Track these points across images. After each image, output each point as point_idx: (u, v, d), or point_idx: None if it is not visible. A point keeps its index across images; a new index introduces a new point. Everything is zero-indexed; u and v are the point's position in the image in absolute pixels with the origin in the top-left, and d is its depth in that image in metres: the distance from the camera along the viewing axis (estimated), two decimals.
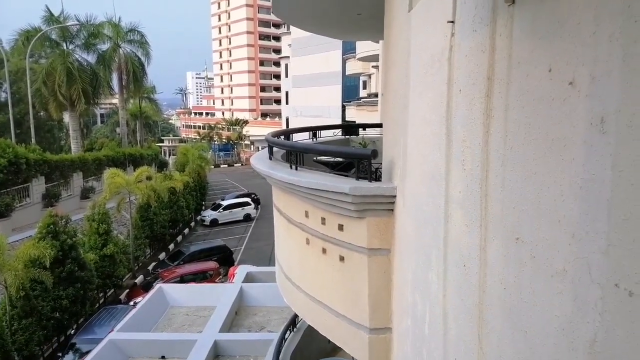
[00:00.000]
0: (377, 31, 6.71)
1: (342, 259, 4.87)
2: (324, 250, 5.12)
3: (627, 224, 1.02)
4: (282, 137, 8.21)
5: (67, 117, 35.60)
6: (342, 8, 7.37)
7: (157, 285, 15.99)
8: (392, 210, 4.43)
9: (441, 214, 2.59)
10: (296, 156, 5.54)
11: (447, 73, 2.47)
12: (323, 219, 5.06)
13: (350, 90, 48.15)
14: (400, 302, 4.15)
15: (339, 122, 42.81)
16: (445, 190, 2.51)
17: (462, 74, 2.23)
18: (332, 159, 6.91)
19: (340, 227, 4.81)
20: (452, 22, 2.40)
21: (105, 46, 37.23)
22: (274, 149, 6.81)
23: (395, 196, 4.31)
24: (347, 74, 46.32)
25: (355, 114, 41.54)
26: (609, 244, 1.08)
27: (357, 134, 11.81)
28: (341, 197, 4.45)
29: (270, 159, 6.58)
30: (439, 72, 2.63)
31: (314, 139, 10.04)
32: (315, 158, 7.03)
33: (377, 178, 5.16)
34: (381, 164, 4.96)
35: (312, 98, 53.83)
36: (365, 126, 12.22)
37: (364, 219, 4.52)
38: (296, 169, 5.48)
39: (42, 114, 37.49)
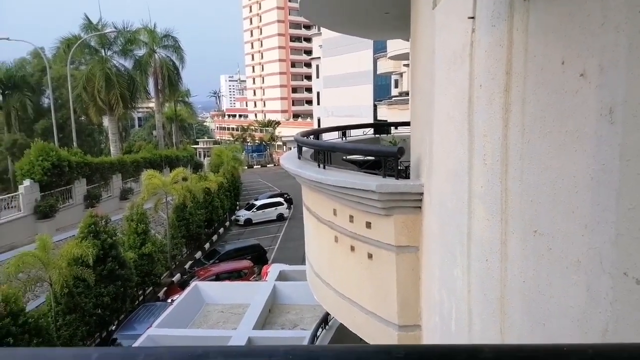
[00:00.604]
0: (406, 29, 6.70)
1: (370, 256, 4.90)
2: (352, 248, 5.17)
3: (633, 212, 1.03)
4: (312, 136, 8.29)
5: (106, 121, 36.91)
6: (370, 8, 7.38)
7: (193, 284, 16.39)
8: (420, 207, 4.43)
9: (465, 209, 2.60)
10: (324, 155, 5.61)
11: (468, 68, 2.48)
12: (351, 217, 5.10)
13: (382, 89, 47.85)
14: (428, 299, 4.15)
15: (370, 121, 42.60)
16: (469, 185, 2.52)
17: (482, 69, 2.24)
18: (361, 158, 6.95)
19: (368, 225, 4.85)
20: (472, 18, 2.41)
21: (141, 52, 38.41)
22: (303, 148, 6.91)
23: (422, 193, 4.31)
24: (378, 73, 46.04)
25: (386, 113, 41.26)
26: (617, 233, 1.09)
27: (388, 133, 11.76)
28: (368, 195, 4.48)
29: (299, 158, 6.67)
30: (461, 68, 2.63)
31: (344, 138, 10.08)
32: (344, 157, 7.08)
33: (407, 176, 5.18)
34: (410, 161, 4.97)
35: (344, 98, 53.77)
36: (396, 124, 12.15)
37: (392, 216, 4.54)
38: (324, 167, 5.54)
39: (83, 118, 39.07)
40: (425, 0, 4.13)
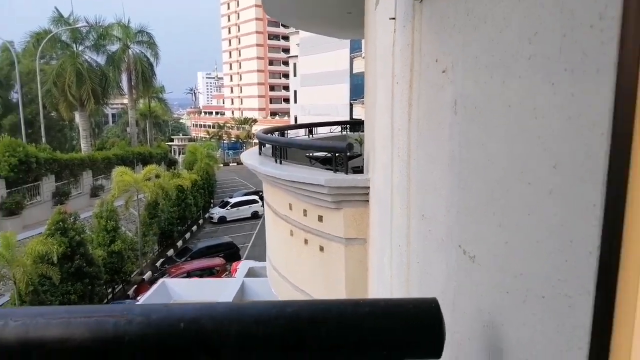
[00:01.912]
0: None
1: (321, 248, 5.04)
2: (305, 241, 5.30)
3: (463, 192, 1.18)
4: (276, 133, 8.40)
5: (77, 117, 36.19)
6: (332, 7, 7.52)
7: (160, 280, 16.31)
8: (367, 201, 4.58)
9: (389, 200, 2.75)
10: (280, 150, 5.72)
11: (391, 66, 2.63)
12: (305, 211, 5.23)
13: (358, 88, 48.13)
14: (372, 288, 4.31)
15: (344, 120, 42.81)
16: (391, 177, 2.67)
17: (398, 66, 2.39)
18: (322, 154, 7.09)
19: (320, 218, 4.98)
20: (393, 19, 2.55)
21: (114, 47, 37.78)
22: (266, 145, 7.01)
23: (368, 187, 4.47)
24: (354, 72, 46.34)
25: (361, 112, 41.58)
26: (457, 211, 1.24)
27: (360, 131, 11.93)
28: (319, 189, 4.62)
29: (260, 154, 6.77)
30: (388, 66, 2.78)
31: (310, 136, 10.22)
32: (308, 154, 7.21)
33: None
34: None
35: (320, 96, 53.91)
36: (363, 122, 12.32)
37: (341, 209, 4.68)
38: (280, 162, 5.66)
39: (53, 114, 38.19)
40: (372, 1, 4.28)
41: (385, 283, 3.01)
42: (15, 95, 37.74)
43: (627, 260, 0.50)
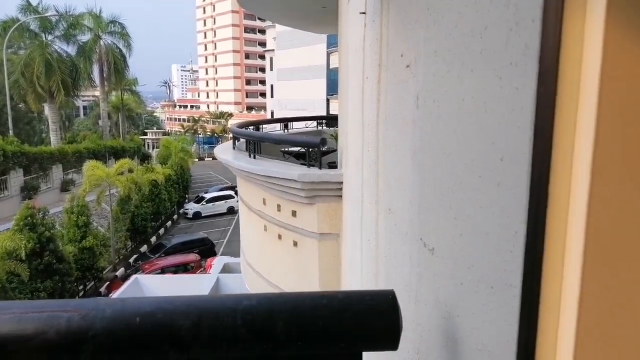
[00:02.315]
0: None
1: (295, 244, 5.04)
2: (279, 236, 5.29)
3: (423, 186, 1.19)
4: (251, 127, 8.34)
5: (47, 110, 35.17)
6: (307, 1, 7.48)
7: (133, 277, 16.05)
8: (340, 196, 4.60)
9: (359, 195, 2.76)
10: (254, 145, 5.69)
11: (362, 61, 2.63)
12: (278, 206, 5.22)
13: (335, 84, 47.98)
14: (345, 283, 4.33)
15: (320, 115, 42.79)
16: (361, 172, 2.68)
17: (367, 61, 2.40)
18: (297, 149, 7.07)
19: (294, 214, 4.98)
20: (364, 13, 2.56)
21: (85, 37, 36.77)
22: (240, 139, 6.95)
23: (342, 182, 4.48)
24: (331, 67, 46.25)
25: (337, 107, 41.64)
26: (419, 205, 1.25)
27: (336, 126, 11.95)
28: (292, 184, 4.62)
29: (234, 148, 6.72)
30: (358, 61, 2.79)
31: (286, 131, 10.18)
32: (283, 149, 7.18)
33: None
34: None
35: (297, 91, 53.67)
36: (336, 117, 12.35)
37: (314, 204, 4.69)
38: (254, 157, 5.62)
39: (21, 105, 37.00)
40: None
41: (357, 277, 3.03)
42: None
43: (549, 248, 0.51)
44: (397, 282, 1.68)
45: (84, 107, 67.45)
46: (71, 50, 34.98)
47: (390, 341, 0.84)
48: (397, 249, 1.65)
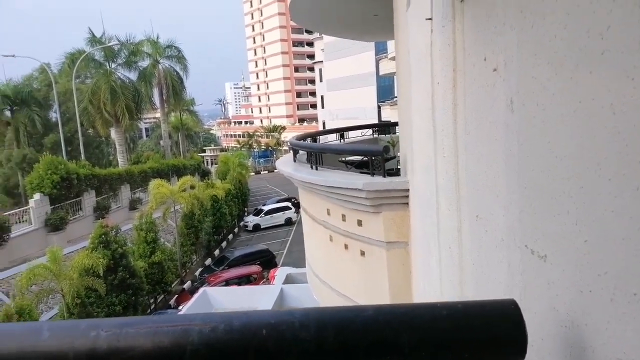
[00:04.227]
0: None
1: (362, 253, 5.03)
2: (346, 246, 5.30)
3: (526, 191, 1.16)
4: (308, 139, 8.45)
5: (113, 133, 37.40)
6: (358, 11, 7.53)
7: (201, 290, 16.59)
8: (407, 204, 4.55)
9: (434, 202, 2.72)
10: (315, 156, 5.75)
11: (430, 67, 2.61)
12: (343, 216, 5.24)
13: (386, 90, 47.91)
14: (418, 291, 4.26)
15: (375, 122, 42.64)
16: (435, 179, 2.65)
17: (437, 67, 2.37)
18: (358, 159, 7.08)
19: (359, 223, 4.98)
20: (430, 19, 2.55)
21: (145, 63, 38.89)
22: (300, 152, 7.06)
23: (408, 190, 4.44)
24: (380, 74, 46.12)
25: (390, 113, 41.33)
26: (520, 210, 1.22)
27: (391, 133, 11.87)
28: (357, 194, 4.62)
29: (295, 161, 6.82)
30: (426, 67, 2.77)
31: (342, 140, 10.22)
32: (341, 158, 7.22)
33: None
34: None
35: (348, 100, 53.92)
36: (396, 124, 12.25)
37: (380, 213, 4.66)
38: (316, 168, 5.68)
39: (90, 131, 39.63)
40: (402, 2, 4.27)
41: (434, 286, 2.98)
42: (54, 115, 39.40)
43: None
44: (490, 290, 1.65)
45: (146, 129, 71.08)
46: (133, 76, 37.15)
47: (517, 351, 0.83)
48: (490, 256, 1.61)
